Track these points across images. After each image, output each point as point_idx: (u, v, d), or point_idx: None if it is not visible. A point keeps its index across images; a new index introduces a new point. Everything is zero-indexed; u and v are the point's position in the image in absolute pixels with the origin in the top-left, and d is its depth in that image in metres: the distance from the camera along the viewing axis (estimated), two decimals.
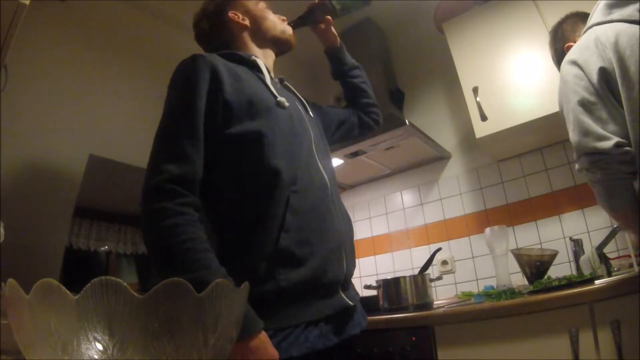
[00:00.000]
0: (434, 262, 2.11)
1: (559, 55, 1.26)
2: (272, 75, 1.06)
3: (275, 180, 0.81)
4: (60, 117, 1.73)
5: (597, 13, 1.13)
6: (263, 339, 0.69)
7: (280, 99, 0.93)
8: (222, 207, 0.83)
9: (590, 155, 1.01)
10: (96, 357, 0.39)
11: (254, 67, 0.98)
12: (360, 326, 0.96)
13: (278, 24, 1.11)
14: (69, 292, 0.40)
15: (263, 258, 0.77)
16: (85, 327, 0.39)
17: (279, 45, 1.11)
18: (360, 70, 1.33)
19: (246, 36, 1.06)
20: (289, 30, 1.12)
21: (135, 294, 0.40)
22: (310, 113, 1.10)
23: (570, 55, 1.13)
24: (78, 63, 1.81)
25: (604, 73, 1.02)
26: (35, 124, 1.64)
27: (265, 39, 1.08)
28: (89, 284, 0.39)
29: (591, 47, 1.07)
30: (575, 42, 1.20)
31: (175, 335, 0.42)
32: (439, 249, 1.81)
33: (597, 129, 1.00)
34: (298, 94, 1.13)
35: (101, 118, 1.87)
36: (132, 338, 0.40)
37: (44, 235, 1.62)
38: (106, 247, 2.94)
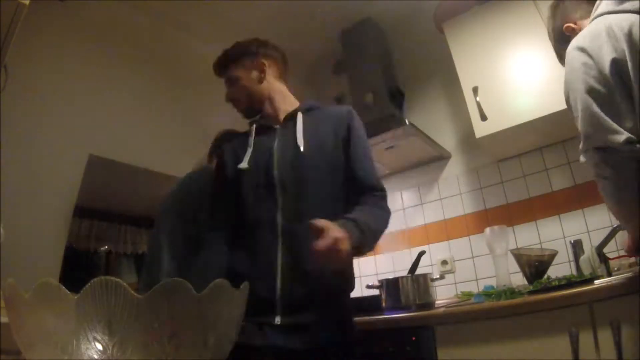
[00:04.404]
0: (434, 262, 2.12)
1: (556, 33, 1.20)
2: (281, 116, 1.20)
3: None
4: (60, 117, 1.72)
5: (606, 1, 1.06)
6: None
7: (242, 165, 1.11)
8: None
9: (600, 151, 0.96)
10: (96, 357, 0.39)
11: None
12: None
13: None
14: (68, 292, 0.40)
15: None
16: (85, 327, 0.39)
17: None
18: None
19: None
20: None
21: (135, 294, 0.40)
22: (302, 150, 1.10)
23: (579, 42, 1.06)
24: (78, 63, 1.81)
25: (617, 65, 0.97)
26: (35, 124, 1.64)
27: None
28: (89, 284, 0.39)
29: (603, 36, 1.00)
30: (575, 22, 1.15)
31: (175, 335, 0.42)
32: (423, 252, 1.82)
33: (609, 122, 0.95)
34: (299, 134, 1.12)
35: (101, 118, 1.87)
36: (132, 338, 0.40)
37: (44, 235, 1.62)
38: (106, 247, 2.94)
